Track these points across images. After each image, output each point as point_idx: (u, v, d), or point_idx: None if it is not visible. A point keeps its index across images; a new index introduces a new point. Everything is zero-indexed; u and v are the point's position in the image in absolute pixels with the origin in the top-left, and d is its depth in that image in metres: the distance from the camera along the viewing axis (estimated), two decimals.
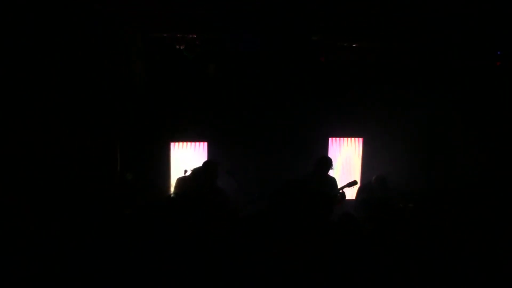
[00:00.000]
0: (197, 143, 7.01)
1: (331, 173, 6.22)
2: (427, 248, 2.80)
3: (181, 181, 5.85)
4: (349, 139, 7.53)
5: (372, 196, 6.08)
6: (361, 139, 7.53)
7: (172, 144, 6.92)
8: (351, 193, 6.24)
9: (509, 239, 3.13)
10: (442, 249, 2.84)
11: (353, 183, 6.03)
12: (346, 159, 7.39)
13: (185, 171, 5.91)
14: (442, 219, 3.60)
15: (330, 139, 7.46)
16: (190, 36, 5.98)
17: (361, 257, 2.53)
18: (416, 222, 3.38)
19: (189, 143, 7.01)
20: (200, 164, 6.01)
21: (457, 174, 7.04)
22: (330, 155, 7.11)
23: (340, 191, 5.73)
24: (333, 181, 6.05)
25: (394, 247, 2.76)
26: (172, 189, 6.16)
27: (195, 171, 5.79)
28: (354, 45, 6.39)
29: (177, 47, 6.03)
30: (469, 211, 3.77)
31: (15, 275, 2.44)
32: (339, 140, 7.51)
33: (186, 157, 6.89)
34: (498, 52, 6.35)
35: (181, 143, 6.98)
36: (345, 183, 5.99)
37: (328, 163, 6.07)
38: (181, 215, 2.10)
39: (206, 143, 7.01)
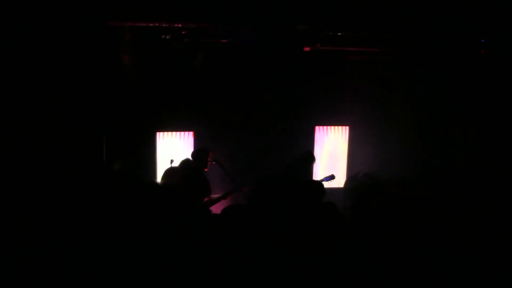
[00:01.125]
0: (183, 133, 6.99)
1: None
2: (423, 245, 2.80)
3: (169, 172, 5.85)
4: (335, 127, 7.53)
5: (361, 182, 6.13)
6: (347, 127, 7.54)
7: (158, 133, 6.90)
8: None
9: (509, 239, 3.13)
10: (441, 248, 2.83)
11: (331, 177, 6.10)
12: (332, 148, 7.41)
13: (171, 161, 5.92)
14: (433, 210, 3.61)
15: (316, 127, 7.47)
16: (176, 25, 5.86)
17: (352, 251, 2.53)
18: (406, 212, 3.37)
19: (175, 133, 6.98)
20: (187, 155, 6.02)
21: (448, 166, 7.07)
22: (316, 143, 7.21)
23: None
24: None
25: (381, 237, 2.76)
26: (159, 180, 6.15)
27: (184, 162, 5.81)
28: (339, 34, 6.25)
29: (163, 37, 5.97)
30: (469, 210, 3.77)
31: (15, 275, 2.44)
32: (325, 128, 7.51)
33: (173, 147, 6.87)
34: (482, 40, 6.28)
35: (167, 133, 6.96)
36: (322, 177, 6.06)
37: (312, 158, 6.24)
38: (167, 205, 2.09)
39: (192, 133, 7.00)
